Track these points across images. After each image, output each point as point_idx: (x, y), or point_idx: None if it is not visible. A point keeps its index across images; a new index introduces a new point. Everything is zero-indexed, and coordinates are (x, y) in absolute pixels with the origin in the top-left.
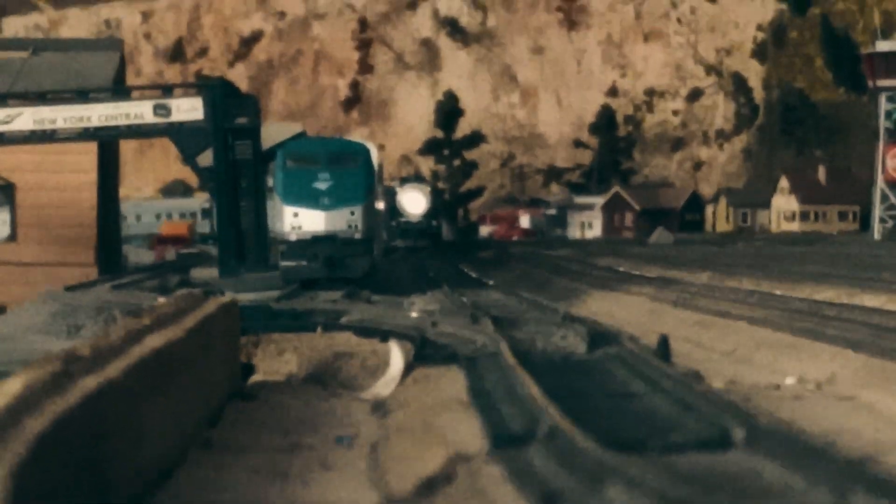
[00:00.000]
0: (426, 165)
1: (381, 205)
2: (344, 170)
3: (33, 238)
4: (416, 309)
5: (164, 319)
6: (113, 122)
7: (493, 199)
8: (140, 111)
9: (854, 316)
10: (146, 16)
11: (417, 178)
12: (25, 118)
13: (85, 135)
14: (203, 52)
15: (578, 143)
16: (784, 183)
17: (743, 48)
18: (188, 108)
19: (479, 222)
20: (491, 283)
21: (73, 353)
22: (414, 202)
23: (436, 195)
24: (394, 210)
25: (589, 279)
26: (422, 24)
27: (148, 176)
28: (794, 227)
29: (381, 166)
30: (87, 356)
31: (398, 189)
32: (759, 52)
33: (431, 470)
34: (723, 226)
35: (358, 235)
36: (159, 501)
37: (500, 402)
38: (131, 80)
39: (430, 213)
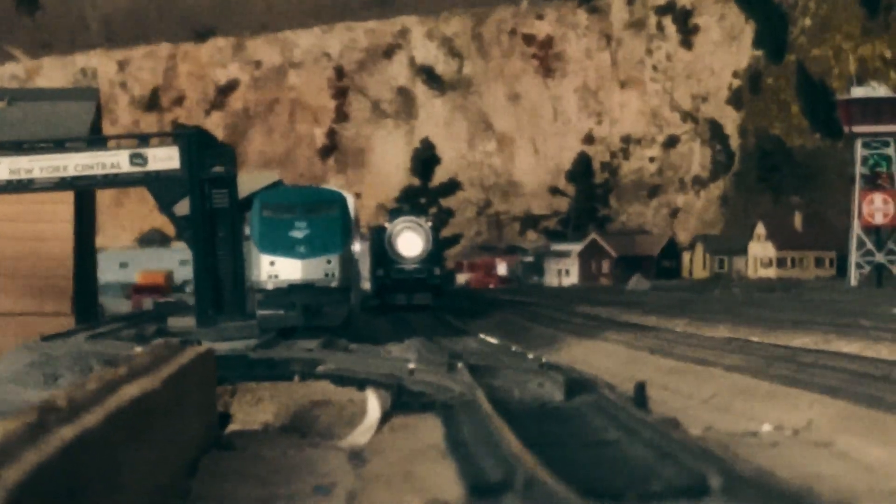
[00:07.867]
0: None
1: (359, 250)
2: (320, 218)
3: (9, 288)
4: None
5: (141, 369)
6: (89, 172)
7: (469, 246)
8: (116, 160)
9: (831, 362)
10: (122, 65)
11: (413, 209)
12: (1, 168)
13: (61, 184)
14: (179, 100)
15: (555, 191)
16: (760, 229)
17: (719, 95)
18: (164, 158)
19: (455, 270)
20: (471, 330)
21: (49, 404)
22: (408, 242)
23: (437, 231)
24: (381, 255)
25: (567, 326)
26: (398, 72)
27: (125, 225)
28: (771, 273)
29: (357, 214)
30: (64, 407)
31: (387, 225)
32: (735, 99)
33: None
34: (699, 272)
35: (335, 284)
36: None
37: (477, 450)
38: (107, 129)
39: (430, 258)
